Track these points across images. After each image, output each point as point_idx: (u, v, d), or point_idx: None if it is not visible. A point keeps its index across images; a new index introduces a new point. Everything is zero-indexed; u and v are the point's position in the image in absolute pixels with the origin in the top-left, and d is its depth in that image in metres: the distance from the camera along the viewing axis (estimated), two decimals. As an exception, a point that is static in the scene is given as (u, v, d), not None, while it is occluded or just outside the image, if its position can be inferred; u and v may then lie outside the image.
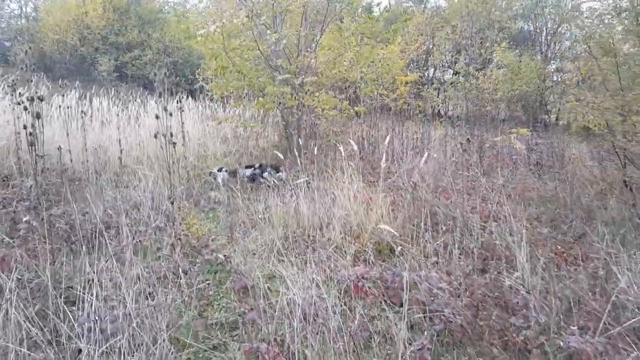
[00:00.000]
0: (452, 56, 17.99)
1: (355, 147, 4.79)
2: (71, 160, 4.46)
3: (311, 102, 6.03)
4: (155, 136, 3.64)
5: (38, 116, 2.57)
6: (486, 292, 2.53)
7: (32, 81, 2.93)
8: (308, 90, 6.58)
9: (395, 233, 2.96)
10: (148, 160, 5.84)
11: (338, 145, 6.05)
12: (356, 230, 3.84)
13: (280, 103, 6.29)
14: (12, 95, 3.56)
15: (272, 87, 5.69)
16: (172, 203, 3.25)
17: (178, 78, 16.93)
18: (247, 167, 5.94)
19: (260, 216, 4.19)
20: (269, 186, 4.81)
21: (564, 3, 18.14)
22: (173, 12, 17.31)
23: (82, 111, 4.57)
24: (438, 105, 14.08)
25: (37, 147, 2.78)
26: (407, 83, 12.95)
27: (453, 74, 19.48)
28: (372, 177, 5.56)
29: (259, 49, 5.82)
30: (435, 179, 5.61)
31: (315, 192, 4.29)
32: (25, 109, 2.53)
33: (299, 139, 6.62)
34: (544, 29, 19.69)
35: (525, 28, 21.02)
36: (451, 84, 14.13)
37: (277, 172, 5.76)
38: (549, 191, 4.91)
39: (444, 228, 3.65)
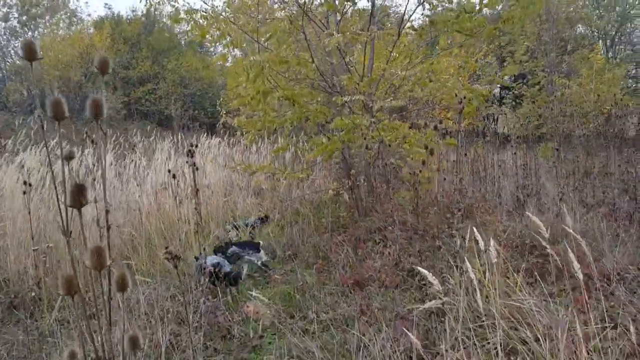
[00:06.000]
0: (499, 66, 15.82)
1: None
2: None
3: (394, 137, 3.91)
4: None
5: None
6: None
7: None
8: (381, 118, 4.49)
9: None
10: (156, 233, 3.77)
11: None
12: None
13: (343, 141, 4.19)
14: None
15: (340, 119, 3.60)
16: None
17: (196, 112, 15.19)
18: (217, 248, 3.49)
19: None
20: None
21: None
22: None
23: (24, 181, 2.48)
24: (505, 126, 11.76)
25: None
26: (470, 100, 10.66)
27: (501, 88, 17.16)
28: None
29: (312, 61, 3.75)
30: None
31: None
32: None
33: (372, 190, 4.50)
34: (604, 30, 17.43)
35: (580, 31, 18.77)
36: (517, 98, 11.81)
37: (257, 252, 3.34)
38: None
39: None
